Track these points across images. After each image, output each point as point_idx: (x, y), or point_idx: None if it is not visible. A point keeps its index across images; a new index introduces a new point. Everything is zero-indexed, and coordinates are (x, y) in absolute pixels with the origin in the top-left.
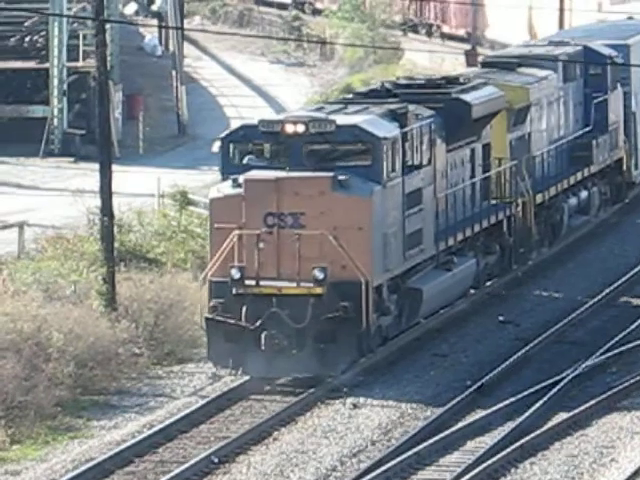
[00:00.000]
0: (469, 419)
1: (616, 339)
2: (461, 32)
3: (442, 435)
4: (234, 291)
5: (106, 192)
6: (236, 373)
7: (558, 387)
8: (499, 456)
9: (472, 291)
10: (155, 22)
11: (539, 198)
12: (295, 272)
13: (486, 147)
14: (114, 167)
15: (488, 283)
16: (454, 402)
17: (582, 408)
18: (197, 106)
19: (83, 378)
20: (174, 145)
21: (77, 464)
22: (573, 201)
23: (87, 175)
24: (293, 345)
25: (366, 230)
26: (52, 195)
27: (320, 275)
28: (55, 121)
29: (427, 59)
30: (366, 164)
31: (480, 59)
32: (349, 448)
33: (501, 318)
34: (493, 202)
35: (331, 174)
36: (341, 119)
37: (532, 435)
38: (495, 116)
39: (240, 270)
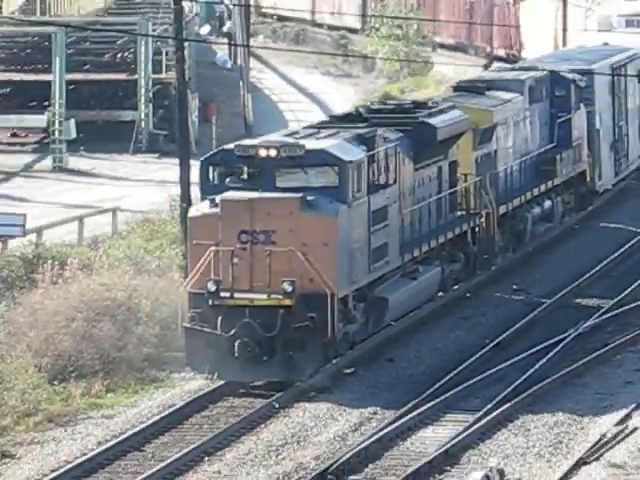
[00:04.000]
0: (488, 371)
1: (611, 304)
2: (502, 52)
3: (466, 384)
4: (210, 302)
5: (185, 182)
6: (212, 378)
7: (562, 344)
8: (514, 402)
9: (440, 294)
10: (225, 40)
11: (503, 209)
12: (266, 285)
13: (452, 164)
14: (191, 162)
15: (455, 287)
16: (476, 357)
17: (583, 361)
18: (260, 111)
19: (167, 338)
20: None
21: (161, 409)
22: (537, 210)
23: (169, 169)
24: (264, 352)
25: (332, 246)
26: (140, 185)
27: (289, 288)
28: (142, 123)
29: (452, 71)
30: (333, 185)
31: (453, 83)
32: (398, 392)
33: (515, 287)
34: (458, 214)
35: (300, 195)
36: (310, 144)
37: (541, 384)
38: (461, 136)
39: (216, 283)
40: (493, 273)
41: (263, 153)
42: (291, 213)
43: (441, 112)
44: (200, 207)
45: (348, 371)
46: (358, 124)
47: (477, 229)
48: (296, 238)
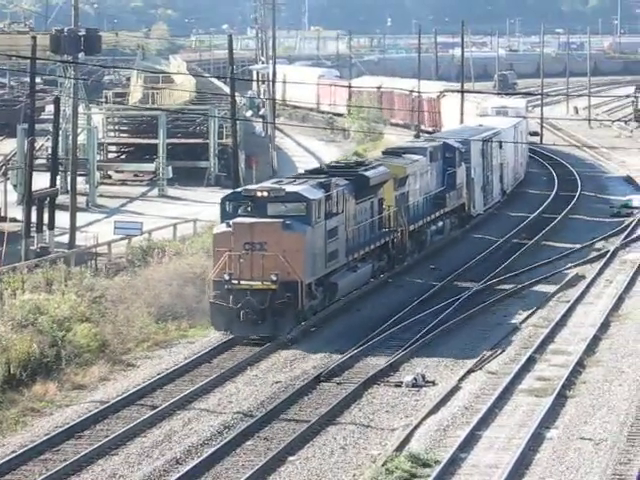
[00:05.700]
0: (416, 316)
1: (485, 279)
2: (430, 128)
3: (404, 324)
4: (226, 287)
5: None
6: (227, 334)
7: (459, 301)
8: (432, 334)
9: (372, 280)
10: (261, 120)
11: (412, 227)
12: (260, 276)
13: (381, 200)
14: None
15: (382, 276)
16: (409, 307)
17: (471, 311)
18: (281, 161)
19: None
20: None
21: (223, 338)
22: (433, 227)
23: None
24: (259, 318)
25: (301, 252)
26: (209, 205)
27: (275, 278)
28: (211, 169)
29: (397, 138)
30: (303, 214)
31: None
32: (361, 329)
33: (432, 266)
34: (384, 230)
35: (282, 220)
36: (289, 188)
37: (447, 324)
38: (385, 183)
39: (229, 274)
40: (410, 264)
41: (259, 194)
42: (276, 231)
43: (373, 167)
44: (220, 227)
45: (313, 329)
46: (320, 175)
47: (395, 240)
48: (279, 247)
